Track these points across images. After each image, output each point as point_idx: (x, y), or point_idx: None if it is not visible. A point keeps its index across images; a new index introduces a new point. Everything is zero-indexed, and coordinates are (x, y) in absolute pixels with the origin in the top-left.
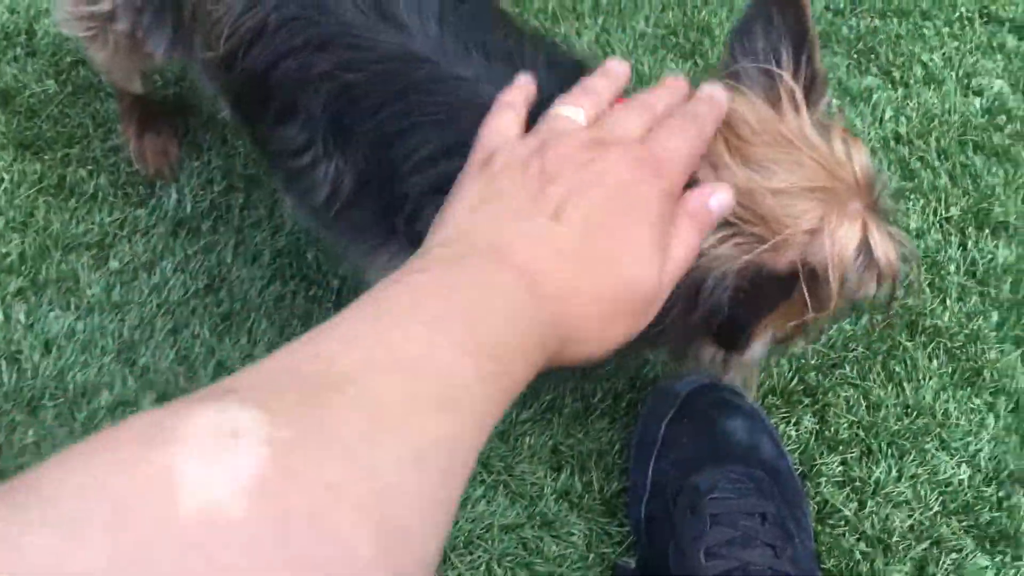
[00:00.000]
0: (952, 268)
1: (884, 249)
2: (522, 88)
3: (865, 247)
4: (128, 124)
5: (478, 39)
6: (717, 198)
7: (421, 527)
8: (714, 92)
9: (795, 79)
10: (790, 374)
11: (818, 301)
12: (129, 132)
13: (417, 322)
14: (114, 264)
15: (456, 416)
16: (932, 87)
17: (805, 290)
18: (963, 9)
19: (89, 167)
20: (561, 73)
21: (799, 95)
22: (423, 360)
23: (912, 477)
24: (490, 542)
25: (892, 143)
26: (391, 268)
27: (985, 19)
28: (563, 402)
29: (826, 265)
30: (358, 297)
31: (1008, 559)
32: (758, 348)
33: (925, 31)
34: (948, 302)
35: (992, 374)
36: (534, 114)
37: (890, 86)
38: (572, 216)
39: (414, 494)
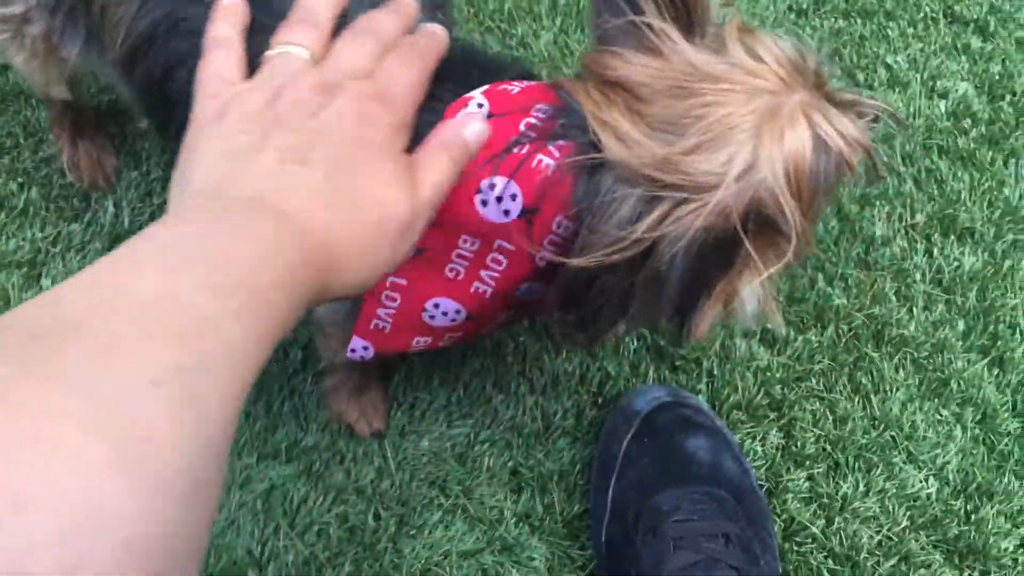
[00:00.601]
0: (918, 276)
1: (840, 130)
2: (230, 14)
3: (819, 142)
4: (60, 132)
5: None
6: (471, 129)
7: (169, 436)
8: (435, 28)
9: (662, 14)
10: (755, 388)
11: (785, 237)
12: (62, 141)
13: (158, 266)
14: (46, 283)
15: (200, 345)
16: (897, 89)
17: (752, 239)
18: (927, 9)
19: (19, 180)
20: None
21: (672, 32)
22: (160, 299)
23: (880, 492)
24: (448, 569)
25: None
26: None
27: (949, 19)
28: (523, 421)
29: (777, 199)
30: None
31: (976, 574)
32: (750, 302)
33: (889, 32)
34: (915, 311)
35: (959, 384)
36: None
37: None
38: (316, 159)
39: (154, 411)
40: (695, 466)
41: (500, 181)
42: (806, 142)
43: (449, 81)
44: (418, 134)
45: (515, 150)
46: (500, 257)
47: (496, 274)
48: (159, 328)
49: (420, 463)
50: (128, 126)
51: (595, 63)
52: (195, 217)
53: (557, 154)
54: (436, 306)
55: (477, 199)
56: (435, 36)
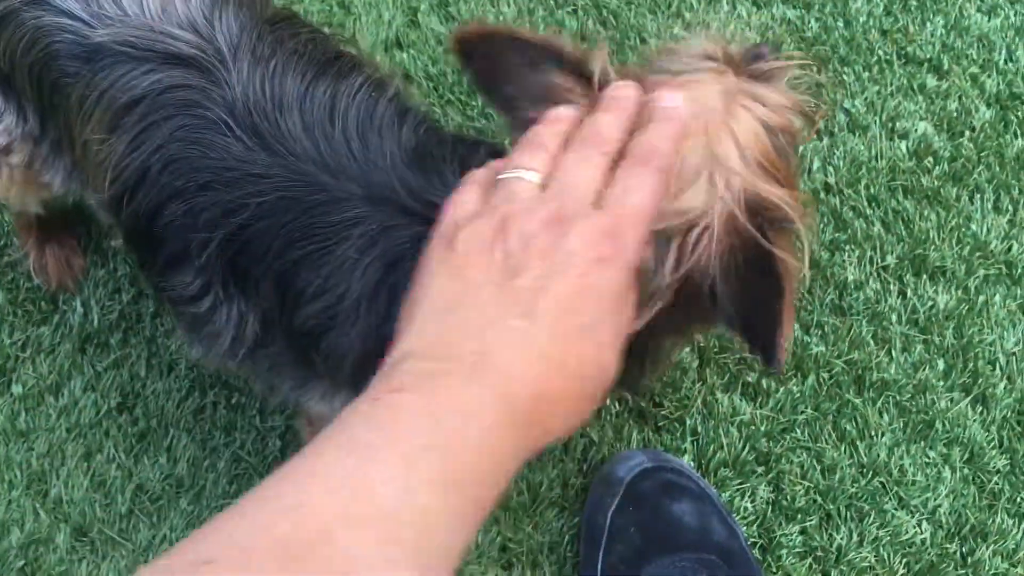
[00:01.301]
0: (894, 318)
1: (775, 103)
2: (487, 169)
3: (763, 124)
4: (27, 237)
5: (368, 148)
6: None
7: None
8: (666, 102)
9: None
10: (741, 443)
11: (788, 220)
12: (28, 245)
13: (395, 457)
14: (17, 389)
15: (427, 560)
16: (857, 134)
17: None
18: (880, 53)
19: None
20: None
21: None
22: (400, 508)
23: (874, 540)
24: None
25: (823, 194)
26: (329, 403)
27: (903, 60)
28: (508, 494)
29: (760, 189)
30: (332, 424)
31: None
32: None
33: (845, 77)
34: (893, 353)
35: (944, 424)
36: None
37: (815, 136)
38: (542, 315)
39: None
40: (682, 532)
41: None
42: (755, 128)
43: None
44: None
45: None
46: None
47: None
48: (397, 545)
49: None
50: (93, 225)
51: None
52: (414, 388)
53: None
54: None
55: None
56: (670, 118)
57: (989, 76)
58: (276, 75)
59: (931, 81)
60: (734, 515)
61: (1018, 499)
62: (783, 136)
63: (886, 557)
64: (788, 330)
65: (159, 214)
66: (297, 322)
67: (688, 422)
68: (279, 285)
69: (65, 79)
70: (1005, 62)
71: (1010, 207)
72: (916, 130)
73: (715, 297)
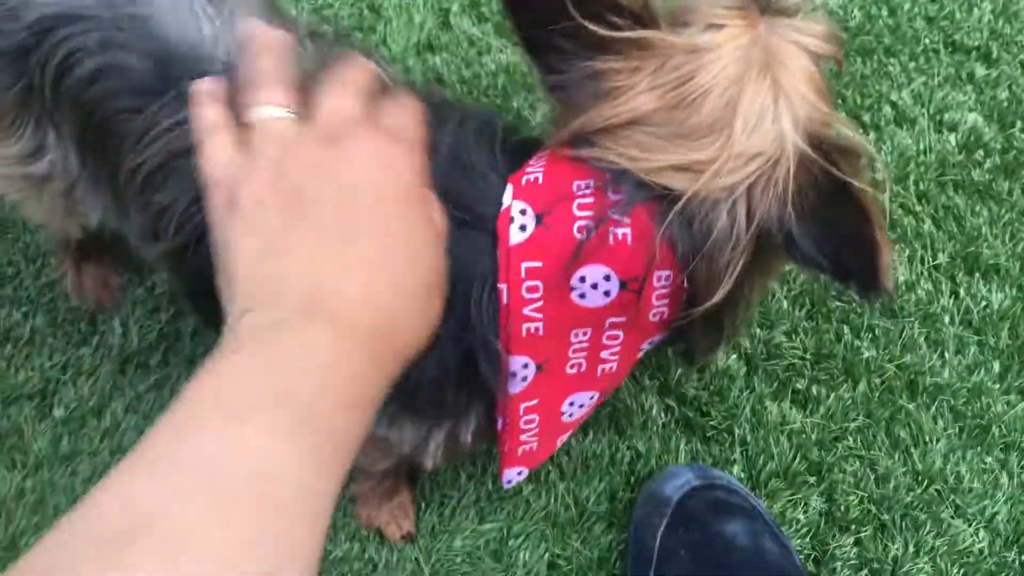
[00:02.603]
0: (947, 319)
1: (809, 36)
2: (206, 97)
3: (808, 54)
4: (64, 258)
5: None
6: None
7: None
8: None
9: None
10: (791, 453)
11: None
12: (66, 266)
13: (225, 418)
14: (59, 412)
15: (277, 504)
16: (905, 126)
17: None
18: (927, 41)
19: (23, 308)
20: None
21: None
22: (228, 463)
23: (931, 551)
24: None
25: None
26: None
27: (951, 49)
28: (556, 509)
29: (819, 115)
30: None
31: None
32: None
33: (890, 68)
34: (947, 355)
35: (1001, 429)
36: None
37: (861, 130)
38: (351, 234)
39: None
40: (735, 554)
41: (588, 271)
42: (804, 61)
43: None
44: None
45: (586, 238)
46: (615, 332)
47: (616, 347)
48: (232, 501)
49: (454, 563)
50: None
51: (588, 121)
52: (250, 343)
53: (627, 220)
54: (571, 404)
55: (574, 295)
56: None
57: None
58: None
59: (980, 70)
60: (786, 528)
61: None
62: (824, 64)
63: (943, 567)
64: (886, 254)
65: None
66: None
67: (737, 432)
68: None
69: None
70: None
71: None
72: (965, 122)
73: (792, 242)
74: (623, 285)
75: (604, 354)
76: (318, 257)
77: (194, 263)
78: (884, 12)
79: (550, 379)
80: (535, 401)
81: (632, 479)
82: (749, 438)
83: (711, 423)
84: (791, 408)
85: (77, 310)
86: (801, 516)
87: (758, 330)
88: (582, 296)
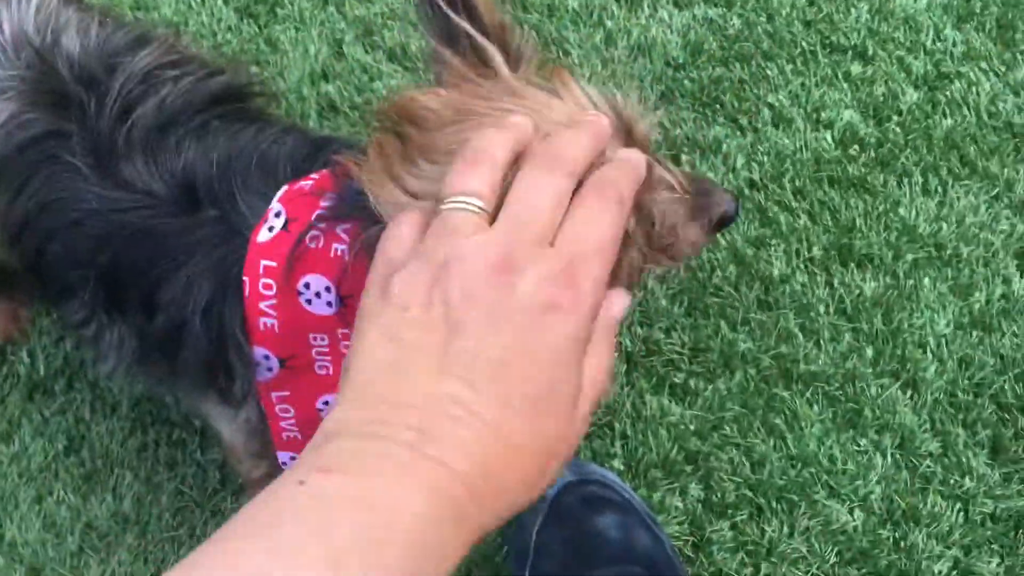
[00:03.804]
0: (821, 308)
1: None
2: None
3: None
4: None
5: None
6: (619, 305)
7: None
8: (631, 155)
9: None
10: (670, 443)
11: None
12: None
13: (320, 555)
14: None
15: None
16: (781, 127)
17: None
18: (804, 44)
19: None
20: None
21: (496, 54)
22: None
23: (805, 531)
24: None
25: (747, 190)
26: (229, 424)
27: (828, 49)
28: None
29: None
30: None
31: None
32: None
33: (768, 72)
34: (822, 343)
35: (874, 411)
36: None
37: (739, 133)
38: (481, 381)
39: None
40: (606, 546)
41: (312, 279)
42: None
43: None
44: None
45: (312, 244)
46: (348, 343)
47: None
48: None
49: None
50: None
51: (389, 108)
52: (348, 462)
53: (345, 237)
54: (327, 403)
55: (301, 300)
56: (631, 164)
57: (916, 57)
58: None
59: (856, 68)
60: (664, 515)
61: (951, 481)
62: None
63: (818, 547)
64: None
65: (42, 254)
66: (157, 334)
67: (617, 427)
68: (146, 304)
69: None
70: (933, 42)
71: (939, 188)
72: (841, 118)
73: None
74: (342, 301)
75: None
76: (441, 395)
77: (18, 256)
78: (763, 18)
79: (300, 375)
80: (286, 393)
81: None
82: (629, 432)
83: (592, 420)
84: (670, 401)
85: None
86: (679, 503)
87: (637, 328)
88: (308, 302)
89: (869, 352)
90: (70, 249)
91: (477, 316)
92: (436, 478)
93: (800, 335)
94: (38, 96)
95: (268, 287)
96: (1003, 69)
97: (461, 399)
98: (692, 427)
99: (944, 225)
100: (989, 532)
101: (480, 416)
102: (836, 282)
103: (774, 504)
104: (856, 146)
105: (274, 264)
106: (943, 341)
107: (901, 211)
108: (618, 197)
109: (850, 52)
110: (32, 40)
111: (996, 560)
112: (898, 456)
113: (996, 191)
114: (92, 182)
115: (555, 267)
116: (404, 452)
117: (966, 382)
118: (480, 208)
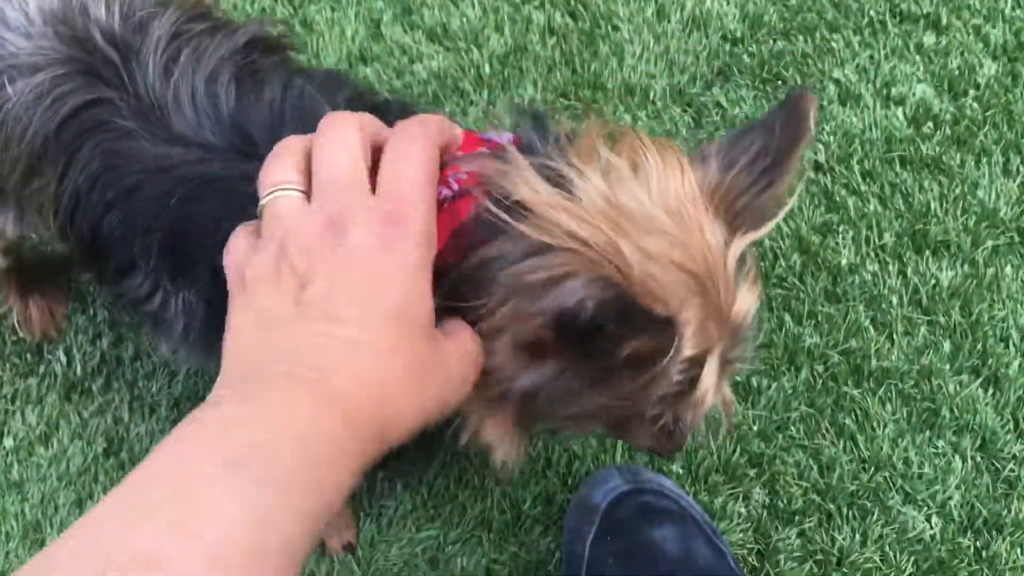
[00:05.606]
0: (894, 300)
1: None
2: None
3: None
4: (9, 291)
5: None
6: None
7: None
8: (424, 116)
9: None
10: (731, 446)
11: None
12: (11, 300)
13: (218, 462)
14: (8, 442)
15: (266, 559)
16: (849, 104)
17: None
18: (872, 13)
19: None
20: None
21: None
22: (231, 511)
23: (879, 539)
24: None
25: (812, 173)
26: None
27: (898, 19)
28: (492, 515)
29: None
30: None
31: None
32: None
33: (834, 44)
34: (895, 338)
35: (952, 411)
36: None
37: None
38: (344, 314)
39: None
40: (664, 560)
41: None
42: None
43: None
44: None
45: None
46: None
47: None
48: (233, 552)
49: (392, 573)
50: (72, 270)
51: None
52: (234, 404)
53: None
54: None
55: None
56: (426, 116)
57: (994, 27)
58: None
59: (929, 39)
60: (727, 522)
61: None
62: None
63: (892, 556)
64: None
65: (99, 228)
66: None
67: None
68: (216, 270)
69: None
70: (1012, 8)
71: (1021, 168)
72: (914, 94)
73: None
74: None
75: None
76: (307, 336)
77: (76, 231)
78: None
79: None
80: None
81: (570, 480)
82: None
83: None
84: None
85: (23, 342)
86: (742, 510)
87: None
88: None
89: (946, 346)
90: (130, 218)
91: (322, 265)
92: (315, 393)
93: (871, 329)
94: (72, 67)
95: None
96: None
97: (325, 331)
98: (755, 428)
99: None
100: None
101: (345, 338)
102: (910, 271)
103: (845, 510)
104: (930, 123)
105: None
106: None
107: (980, 193)
108: (421, 132)
109: (922, 21)
110: (60, 12)
111: None
112: (979, 459)
113: None
114: (146, 142)
115: (378, 206)
116: (280, 380)
117: None
118: (296, 190)
